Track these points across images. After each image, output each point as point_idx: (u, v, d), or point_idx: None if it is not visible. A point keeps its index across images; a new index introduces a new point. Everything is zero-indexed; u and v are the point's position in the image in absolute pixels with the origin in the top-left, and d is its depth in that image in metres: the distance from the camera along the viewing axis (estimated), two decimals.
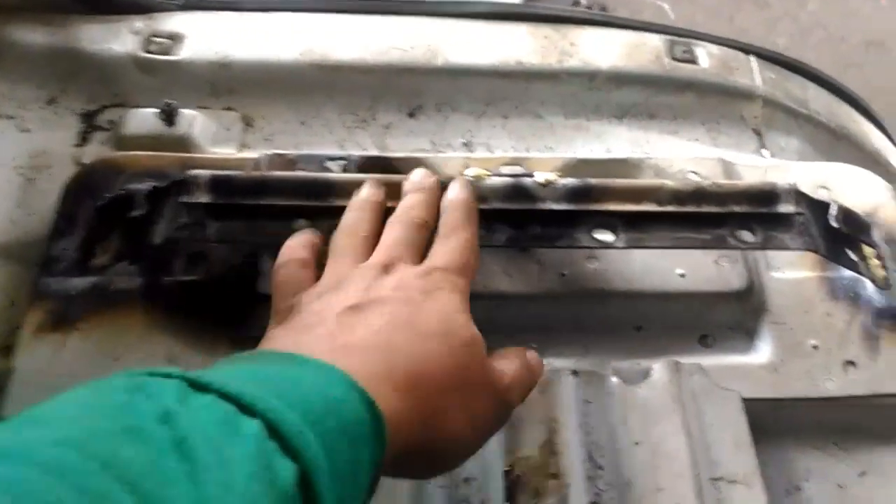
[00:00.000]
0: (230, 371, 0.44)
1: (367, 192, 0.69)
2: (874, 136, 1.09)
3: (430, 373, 0.52)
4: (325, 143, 0.94)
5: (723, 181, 0.78)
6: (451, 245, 0.63)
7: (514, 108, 0.98)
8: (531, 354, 0.63)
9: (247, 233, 0.72)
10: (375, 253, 0.62)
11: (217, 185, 0.72)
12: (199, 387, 0.40)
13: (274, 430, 0.38)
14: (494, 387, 0.57)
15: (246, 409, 0.39)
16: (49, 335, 0.71)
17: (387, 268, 0.59)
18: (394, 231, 0.64)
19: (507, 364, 0.60)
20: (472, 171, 0.76)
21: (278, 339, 0.54)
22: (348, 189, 0.72)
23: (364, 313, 0.54)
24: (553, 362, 0.76)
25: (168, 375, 0.41)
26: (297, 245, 0.65)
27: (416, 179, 0.70)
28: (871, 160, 1.05)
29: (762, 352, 0.78)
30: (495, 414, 0.58)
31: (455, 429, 0.54)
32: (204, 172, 0.73)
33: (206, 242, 0.74)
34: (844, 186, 0.88)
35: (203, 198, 0.72)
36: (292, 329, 0.55)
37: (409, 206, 0.67)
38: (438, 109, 0.97)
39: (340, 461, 0.41)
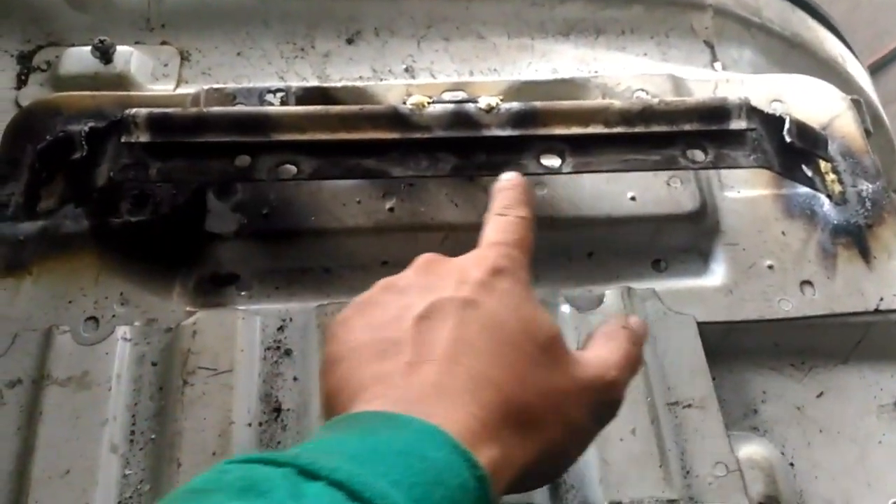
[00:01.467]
0: (337, 445, 0.42)
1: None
2: (829, 43, 1.06)
3: (519, 395, 0.47)
4: (265, 75, 0.90)
5: (671, 98, 0.76)
6: (505, 222, 0.57)
7: (455, 30, 0.94)
8: (634, 321, 0.57)
9: (189, 171, 0.70)
10: None
11: (155, 123, 0.70)
12: (309, 474, 0.38)
13: None
14: (585, 384, 0.51)
15: (355, 495, 0.37)
16: (3, 280, 0.71)
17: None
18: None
19: (606, 350, 0.53)
20: (412, 100, 0.73)
21: (358, 368, 0.49)
22: (288, 123, 0.70)
23: (432, 325, 0.49)
24: None
25: (277, 463, 0.39)
26: None
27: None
28: (826, 68, 1.03)
29: (716, 274, 0.76)
30: (596, 416, 0.52)
31: (554, 444, 0.48)
32: (142, 111, 0.70)
33: (149, 183, 0.73)
34: (799, 98, 0.85)
35: (143, 137, 0.70)
36: (373, 354, 0.49)
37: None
38: (377, 34, 0.93)
39: None
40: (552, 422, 0.48)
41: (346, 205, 0.75)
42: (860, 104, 0.88)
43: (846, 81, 1.03)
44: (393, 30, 0.93)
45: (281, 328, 0.70)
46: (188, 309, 0.71)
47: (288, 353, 0.69)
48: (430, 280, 0.52)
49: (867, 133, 0.86)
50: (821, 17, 1.05)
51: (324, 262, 0.75)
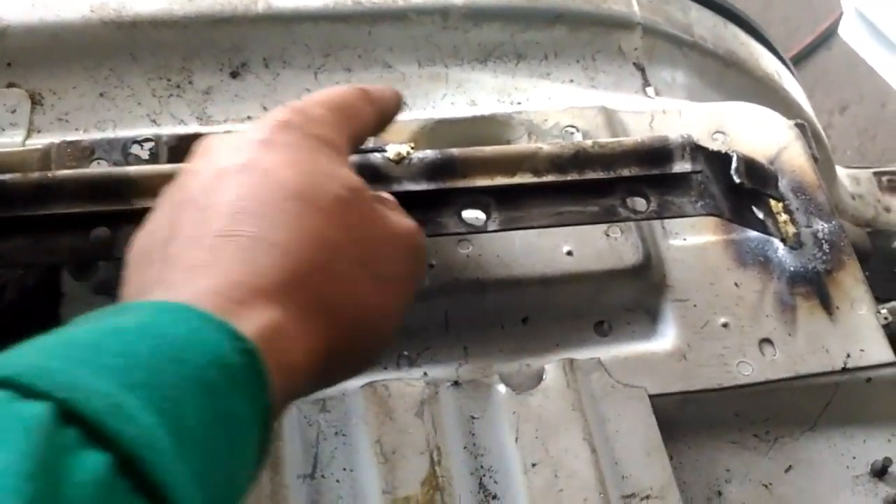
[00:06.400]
0: (30, 346, 0.34)
1: None
2: (764, 59, 0.99)
3: (309, 254, 0.42)
4: (134, 118, 0.77)
5: (606, 140, 0.66)
6: (329, 90, 0.52)
7: (357, 59, 0.82)
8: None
9: (33, 252, 0.58)
10: None
11: None
12: None
13: (70, 413, 0.29)
14: (394, 233, 0.48)
15: (28, 390, 0.29)
16: None
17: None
18: None
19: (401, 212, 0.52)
20: None
21: (126, 286, 0.44)
22: (154, 186, 0.57)
23: (198, 207, 0.43)
24: (429, 373, 0.64)
25: None
26: None
27: None
28: (763, 86, 0.96)
29: (667, 336, 0.67)
30: (408, 266, 0.49)
31: (368, 305, 0.45)
32: None
33: None
34: (742, 129, 0.77)
35: None
36: (141, 264, 0.44)
37: None
38: (267, 66, 0.81)
39: (194, 420, 0.32)
40: (360, 277, 0.45)
41: None
42: (805, 128, 0.81)
43: (784, 100, 0.97)
44: (285, 60, 0.81)
45: None
46: None
47: None
48: (205, 162, 0.46)
49: (814, 159, 0.78)
50: (753, 31, 0.98)
51: None
